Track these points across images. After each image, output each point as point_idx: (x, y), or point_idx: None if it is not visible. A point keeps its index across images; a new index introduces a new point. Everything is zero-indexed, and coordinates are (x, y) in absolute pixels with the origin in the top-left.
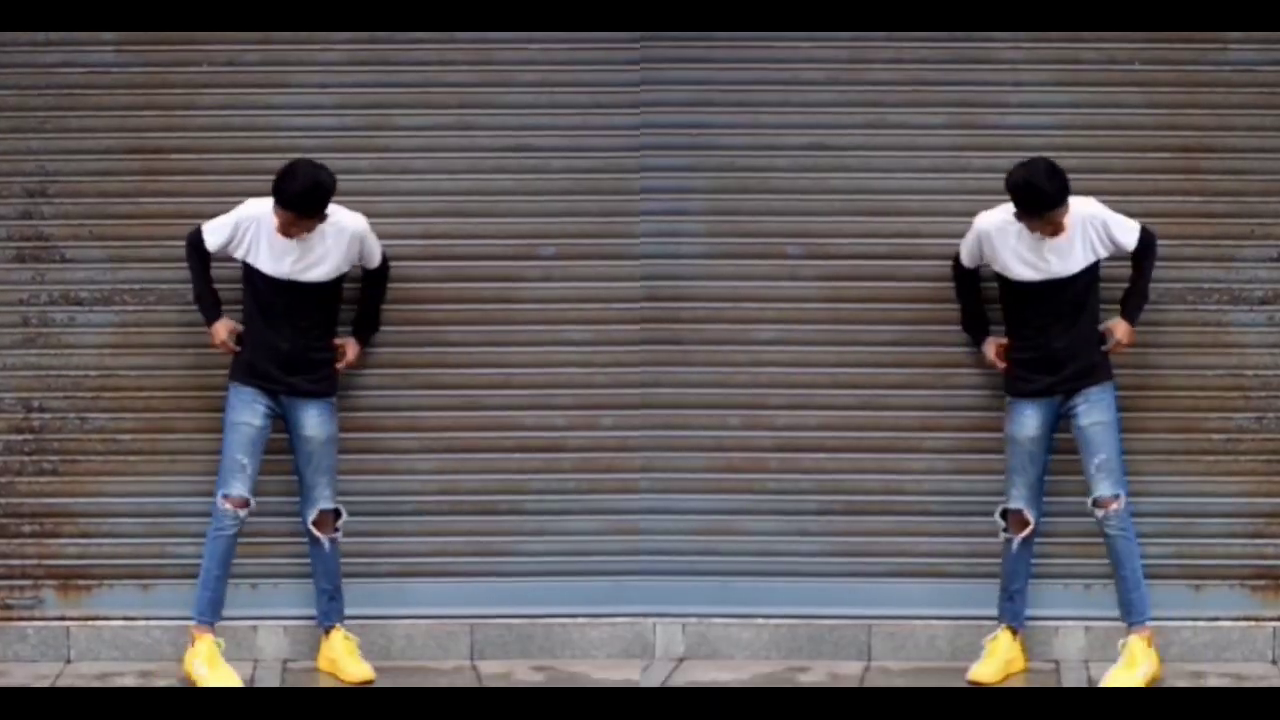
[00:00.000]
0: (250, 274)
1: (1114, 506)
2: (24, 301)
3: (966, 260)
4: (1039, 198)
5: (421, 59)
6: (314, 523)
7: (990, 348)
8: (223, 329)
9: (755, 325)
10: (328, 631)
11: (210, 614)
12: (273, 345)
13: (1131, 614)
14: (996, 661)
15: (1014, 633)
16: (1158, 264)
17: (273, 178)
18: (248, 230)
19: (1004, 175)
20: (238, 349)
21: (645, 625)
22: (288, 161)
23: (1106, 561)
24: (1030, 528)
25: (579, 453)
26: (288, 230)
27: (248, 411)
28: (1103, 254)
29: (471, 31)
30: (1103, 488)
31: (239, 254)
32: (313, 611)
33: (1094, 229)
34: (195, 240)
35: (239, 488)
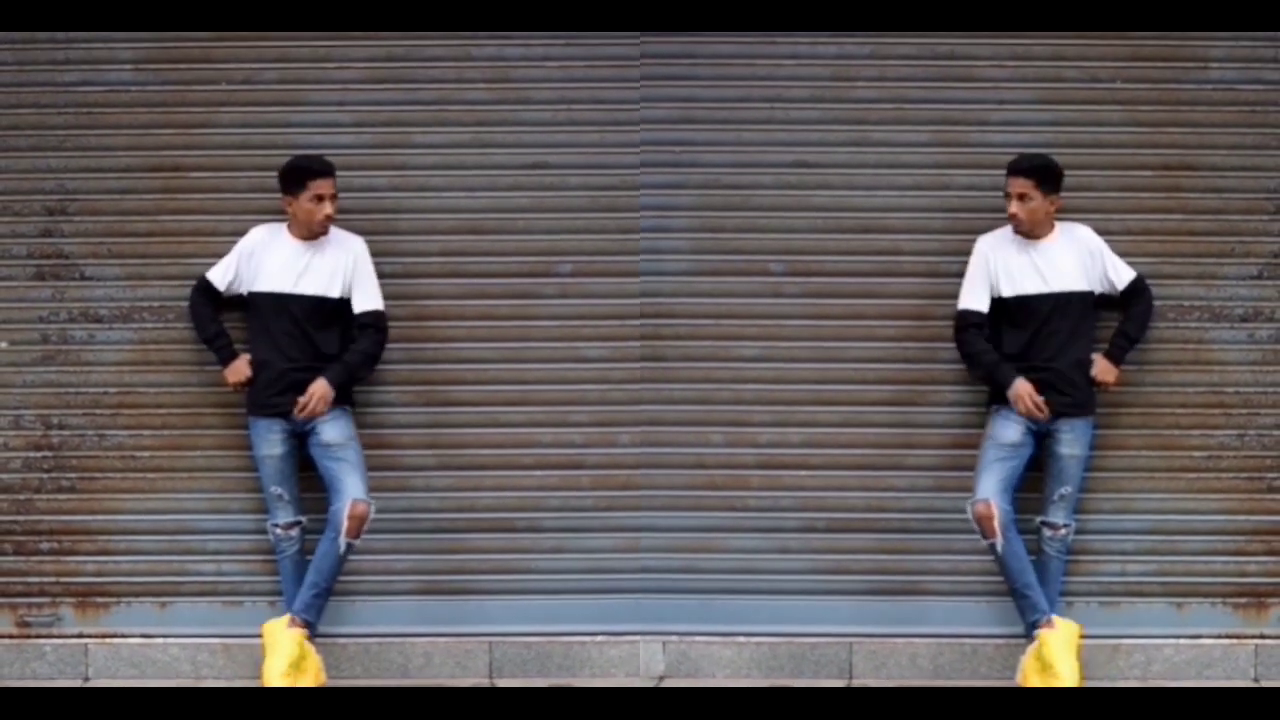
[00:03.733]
0: (254, 301)
1: (1062, 532)
2: (44, 319)
3: (983, 303)
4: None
5: (439, 77)
6: (349, 515)
7: (1023, 388)
8: (243, 365)
9: (738, 342)
10: (295, 623)
11: (304, 611)
12: (276, 367)
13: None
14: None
15: (1045, 626)
16: None
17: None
18: (250, 257)
19: (986, 193)
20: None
21: (633, 644)
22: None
23: (1096, 578)
24: (996, 516)
25: (597, 470)
26: (323, 210)
27: (266, 444)
28: (1097, 286)
29: (488, 47)
30: (1058, 515)
31: (243, 286)
32: (331, 628)
33: (1089, 254)
34: (203, 286)
35: (283, 515)
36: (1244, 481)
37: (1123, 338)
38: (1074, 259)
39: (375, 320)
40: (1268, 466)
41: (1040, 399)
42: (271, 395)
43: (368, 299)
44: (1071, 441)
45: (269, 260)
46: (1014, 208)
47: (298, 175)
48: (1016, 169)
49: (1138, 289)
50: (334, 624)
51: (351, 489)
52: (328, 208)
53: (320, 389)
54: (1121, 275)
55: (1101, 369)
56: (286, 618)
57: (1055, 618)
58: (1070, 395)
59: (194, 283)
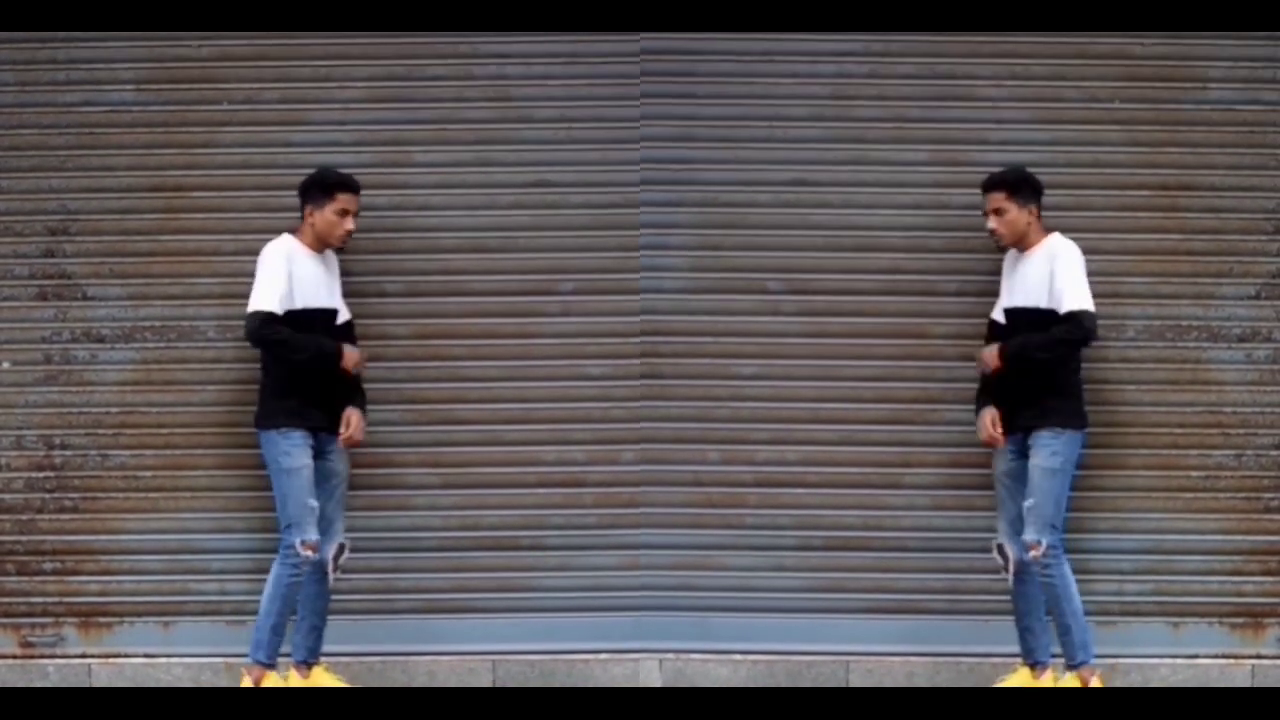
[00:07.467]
0: (293, 317)
1: (1033, 552)
2: (46, 339)
3: (998, 314)
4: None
5: (440, 96)
6: (334, 556)
7: (985, 417)
8: (353, 349)
9: (736, 360)
10: (307, 666)
11: (273, 654)
12: (314, 384)
13: (1073, 654)
14: None
15: (1034, 668)
16: (1135, 300)
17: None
18: (290, 274)
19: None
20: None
21: (635, 661)
22: (314, 172)
23: (1092, 598)
24: (1008, 561)
25: (600, 488)
26: (345, 225)
27: (304, 454)
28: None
29: (489, 66)
30: (1029, 531)
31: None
32: (334, 647)
33: (1053, 266)
34: (267, 318)
35: (313, 531)
36: (1241, 501)
37: (1023, 343)
38: (1042, 273)
39: (352, 331)
40: (1265, 486)
41: (997, 431)
42: (308, 407)
43: (346, 309)
44: (1035, 452)
45: (303, 274)
46: (992, 223)
47: (326, 186)
48: (988, 185)
49: (1070, 318)
50: (337, 643)
51: (341, 529)
52: (350, 223)
53: (358, 419)
54: (1064, 299)
55: (986, 352)
56: (320, 667)
57: (1036, 667)
58: (1035, 408)
59: (252, 317)
